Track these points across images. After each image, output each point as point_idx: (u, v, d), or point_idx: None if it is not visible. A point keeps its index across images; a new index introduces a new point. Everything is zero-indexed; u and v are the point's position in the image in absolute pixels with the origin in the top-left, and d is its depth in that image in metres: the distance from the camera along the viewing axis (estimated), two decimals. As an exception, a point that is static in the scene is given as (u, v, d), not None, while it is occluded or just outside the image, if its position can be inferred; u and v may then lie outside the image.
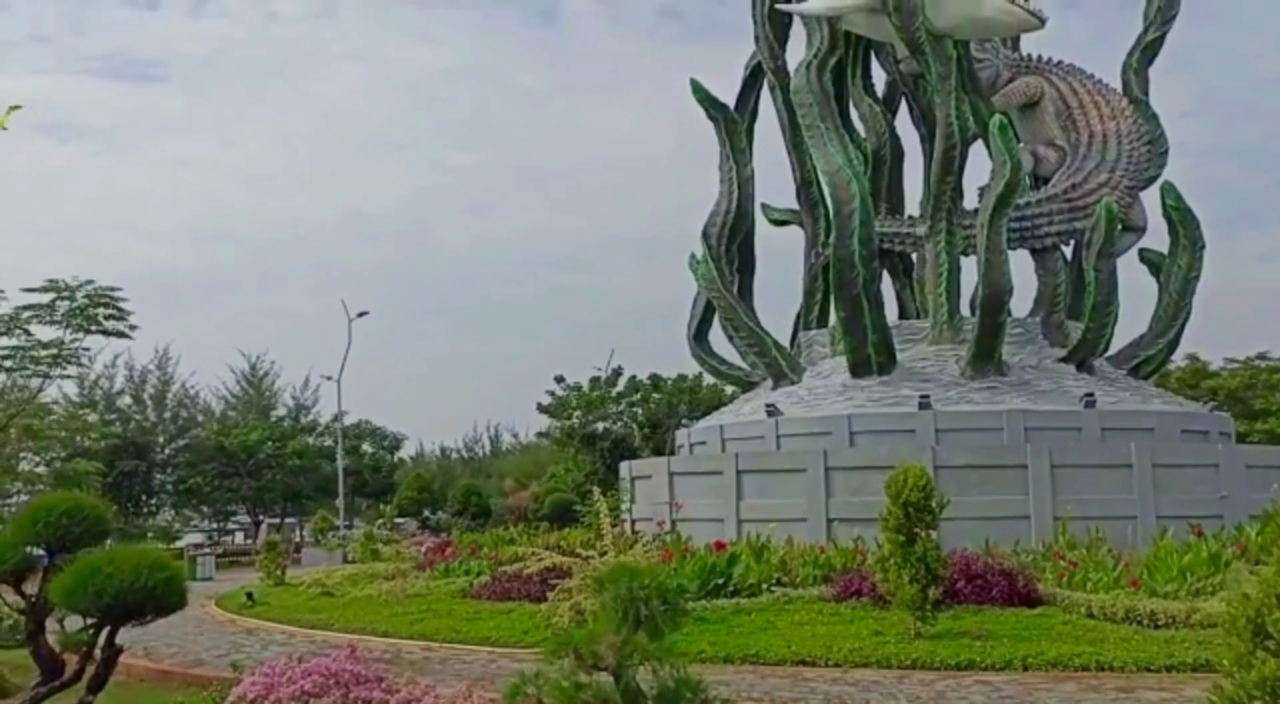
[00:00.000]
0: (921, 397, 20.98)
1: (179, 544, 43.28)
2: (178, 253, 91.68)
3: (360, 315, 42.68)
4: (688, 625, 13.83)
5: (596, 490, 14.19)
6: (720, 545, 16.31)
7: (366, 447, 51.27)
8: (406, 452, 57.63)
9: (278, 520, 49.98)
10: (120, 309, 13.33)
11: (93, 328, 13.13)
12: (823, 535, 18.82)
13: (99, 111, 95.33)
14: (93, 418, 45.33)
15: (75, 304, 12.99)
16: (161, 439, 47.44)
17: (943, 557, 12.69)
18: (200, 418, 49.77)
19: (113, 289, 13.29)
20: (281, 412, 51.48)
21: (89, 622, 9.65)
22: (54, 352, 13.07)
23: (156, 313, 45.85)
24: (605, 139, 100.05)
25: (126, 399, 47.35)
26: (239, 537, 49.30)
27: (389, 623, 15.20)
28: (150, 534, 44.74)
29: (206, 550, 33.56)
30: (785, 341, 25.92)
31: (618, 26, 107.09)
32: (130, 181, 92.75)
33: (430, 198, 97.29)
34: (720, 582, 15.21)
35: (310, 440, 47.94)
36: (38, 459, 41.21)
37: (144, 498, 46.42)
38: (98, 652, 9.47)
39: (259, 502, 48.48)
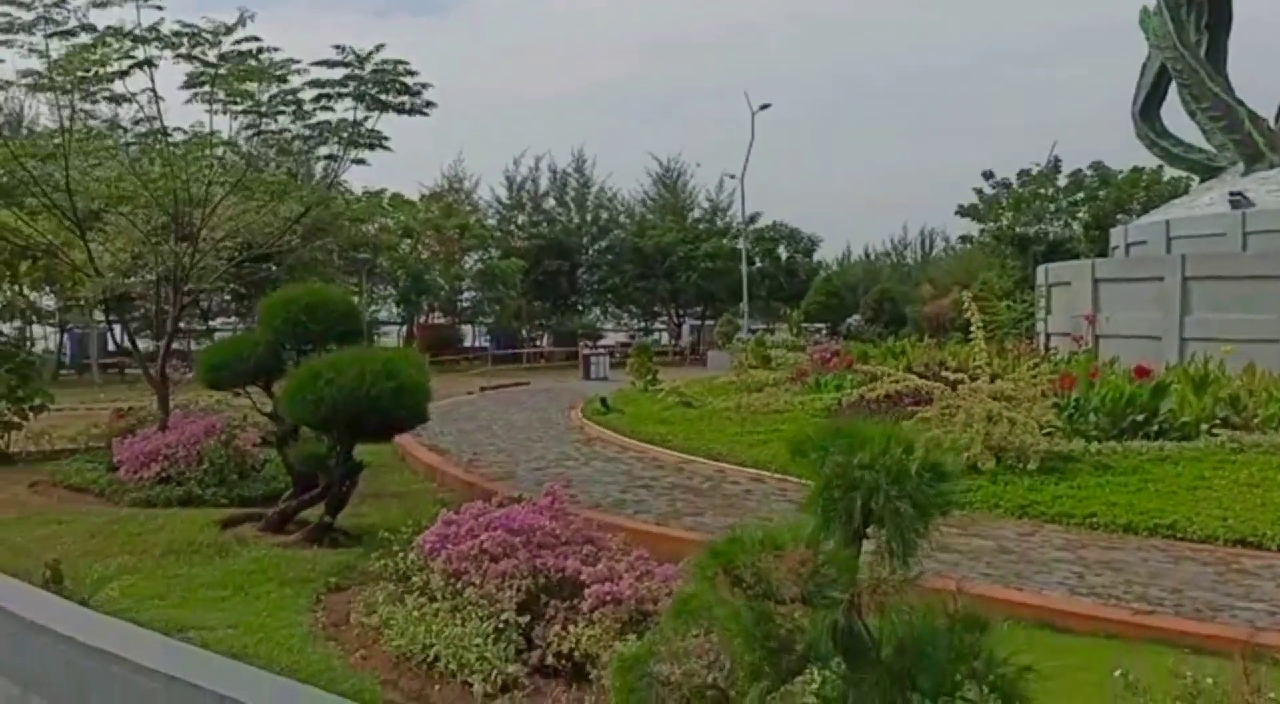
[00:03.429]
0: None
1: (602, 343, 44.95)
2: (633, 64, 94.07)
3: (763, 107, 40.50)
4: (1081, 476, 10.73)
5: (966, 296, 11.09)
6: (1143, 371, 12.62)
7: (781, 250, 49.55)
8: (829, 254, 55.30)
9: (699, 322, 50.22)
10: (407, 85, 11.84)
11: (387, 104, 11.76)
12: (1301, 363, 14.34)
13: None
14: (521, 219, 47.22)
15: (364, 79, 11.61)
16: (585, 240, 48.52)
17: None
18: (622, 219, 50.34)
19: (399, 62, 11.75)
20: (698, 214, 50.91)
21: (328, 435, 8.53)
22: (347, 131, 11.89)
23: (611, 121, 45.83)
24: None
25: (550, 201, 48.77)
26: (664, 336, 50.20)
27: (730, 443, 13.39)
28: (578, 331, 46.61)
29: (601, 350, 33.91)
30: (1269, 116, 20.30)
31: None
32: (594, 3, 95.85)
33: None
34: (1140, 418, 11.72)
35: (724, 242, 46.94)
36: (475, 257, 43.57)
37: (570, 297, 48.11)
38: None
39: (676, 302, 48.75)
